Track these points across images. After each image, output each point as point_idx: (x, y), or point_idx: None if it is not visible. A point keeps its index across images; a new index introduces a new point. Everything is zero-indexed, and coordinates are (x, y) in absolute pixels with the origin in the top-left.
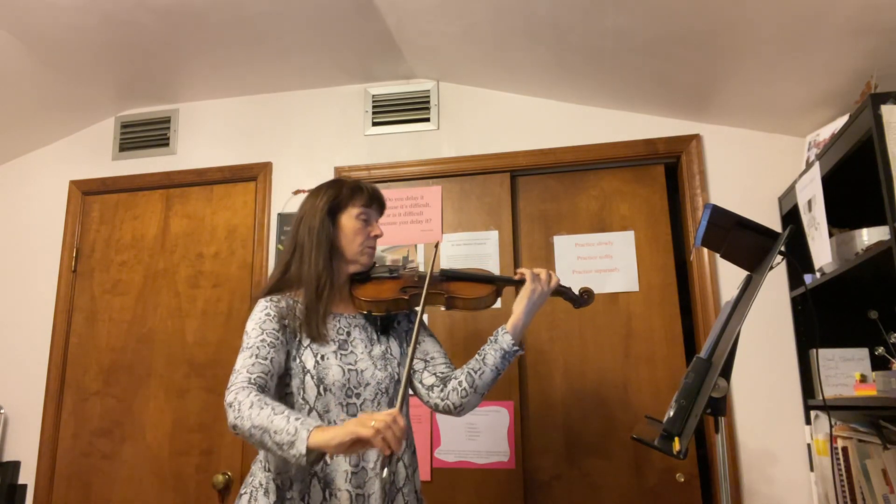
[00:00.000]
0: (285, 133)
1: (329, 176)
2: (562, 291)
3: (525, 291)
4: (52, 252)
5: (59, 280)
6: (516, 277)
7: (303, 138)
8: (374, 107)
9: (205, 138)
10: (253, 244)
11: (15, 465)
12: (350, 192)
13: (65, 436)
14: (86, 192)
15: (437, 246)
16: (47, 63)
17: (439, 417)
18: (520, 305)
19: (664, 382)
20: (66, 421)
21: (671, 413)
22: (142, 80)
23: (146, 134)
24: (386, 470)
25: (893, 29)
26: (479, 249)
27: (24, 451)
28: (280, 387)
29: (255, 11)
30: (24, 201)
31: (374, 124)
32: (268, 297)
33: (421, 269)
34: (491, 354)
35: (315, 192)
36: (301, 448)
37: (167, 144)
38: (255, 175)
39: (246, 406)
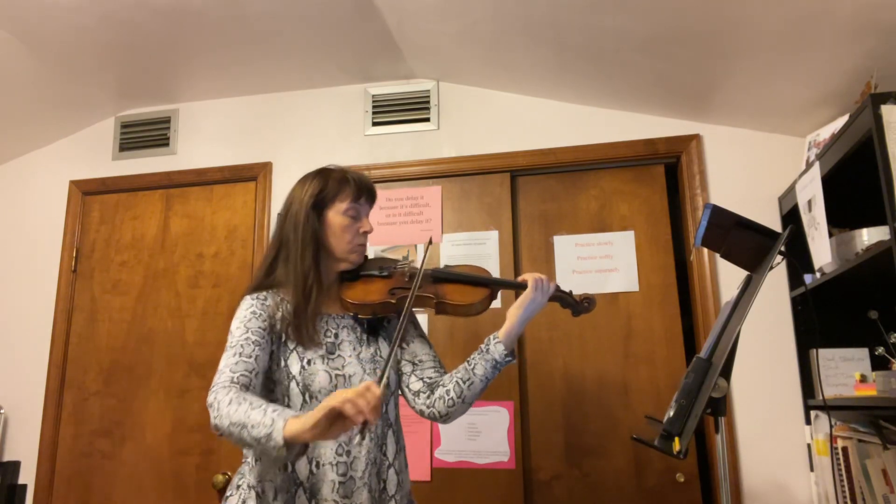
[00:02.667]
0: (285, 133)
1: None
2: (560, 297)
3: (524, 298)
4: (52, 252)
5: (59, 280)
6: (518, 280)
7: (303, 138)
8: (374, 107)
9: (205, 138)
10: (253, 244)
11: (15, 465)
12: (337, 185)
13: (65, 436)
14: (86, 192)
15: (429, 243)
16: (47, 63)
17: None
18: (516, 312)
19: (664, 382)
20: (66, 421)
21: (671, 413)
22: (142, 80)
23: (146, 134)
24: (359, 437)
25: (893, 29)
26: (479, 249)
27: (24, 451)
28: (264, 393)
29: (255, 11)
30: (24, 201)
31: (374, 124)
32: (254, 295)
33: (416, 265)
34: (481, 365)
35: (300, 183)
36: (278, 439)
37: (167, 144)
38: (255, 175)
39: (224, 404)
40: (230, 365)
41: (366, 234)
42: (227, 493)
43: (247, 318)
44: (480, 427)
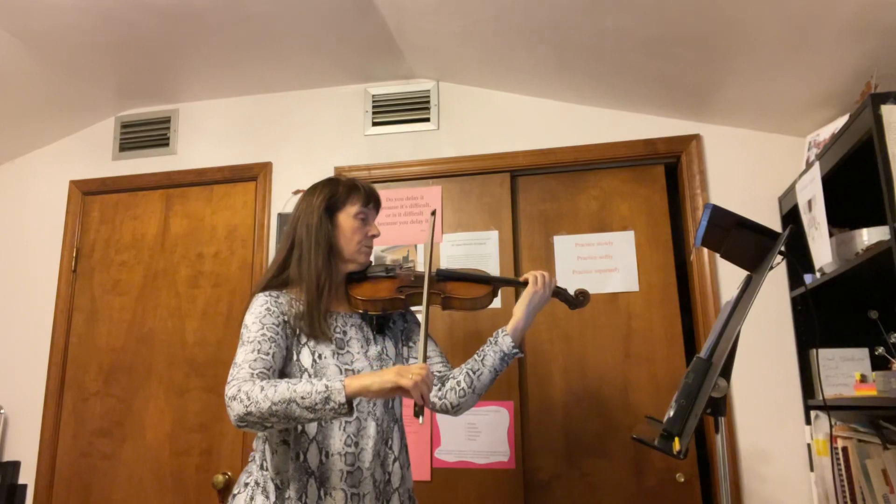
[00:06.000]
0: (285, 133)
1: (329, 175)
2: (558, 293)
3: (527, 295)
4: (52, 252)
5: (59, 280)
6: (521, 279)
7: (303, 138)
8: (374, 107)
9: (205, 138)
10: (253, 244)
11: (15, 465)
12: (347, 191)
13: (65, 436)
14: (86, 192)
15: (432, 214)
16: (47, 63)
17: (439, 417)
18: (521, 308)
19: (664, 382)
20: (66, 421)
21: (671, 413)
22: (142, 80)
23: (146, 134)
24: (421, 417)
25: (893, 29)
26: (479, 249)
27: (24, 451)
28: None
29: (255, 11)
30: (24, 201)
31: (374, 124)
32: (266, 293)
33: (418, 268)
34: (490, 356)
35: (311, 191)
36: (339, 398)
37: (167, 144)
38: (255, 175)
39: (257, 391)
40: (248, 361)
41: (373, 237)
42: (235, 491)
43: (262, 315)
44: (480, 427)
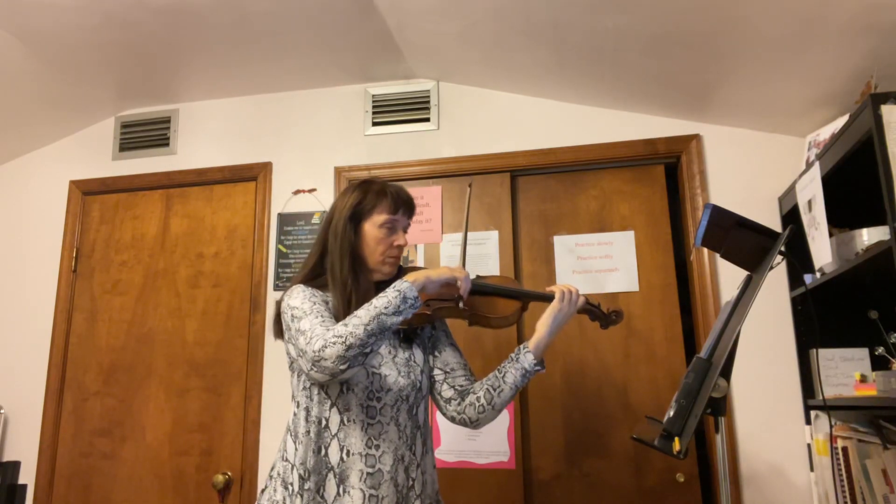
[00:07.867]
0: (285, 133)
1: (329, 176)
2: (589, 310)
3: (552, 310)
4: (52, 252)
5: (59, 280)
6: (547, 292)
7: (303, 138)
8: (374, 107)
9: (205, 138)
10: (253, 244)
11: (15, 465)
12: (374, 198)
13: (65, 436)
14: (86, 192)
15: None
16: (47, 63)
17: (439, 417)
18: (545, 323)
19: (664, 382)
20: (66, 421)
21: (671, 413)
22: (142, 79)
23: (146, 134)
24: (461, 302)
25: (893, 29)
26: (479, 249)
27: (24, 451)
28: (304, 377)
29: (255, 11)
30: (24, 201)
31: (374, 124)
32: (305, 286)
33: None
34: (511, 373)
35: (343, 194)
36: (412, 293)
37: (167, 144)
38: (255, 175)
39: (341, 329)
40: (316, 323)
41: (399, 247)
42: (262, 487)
43: (308, 296)
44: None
